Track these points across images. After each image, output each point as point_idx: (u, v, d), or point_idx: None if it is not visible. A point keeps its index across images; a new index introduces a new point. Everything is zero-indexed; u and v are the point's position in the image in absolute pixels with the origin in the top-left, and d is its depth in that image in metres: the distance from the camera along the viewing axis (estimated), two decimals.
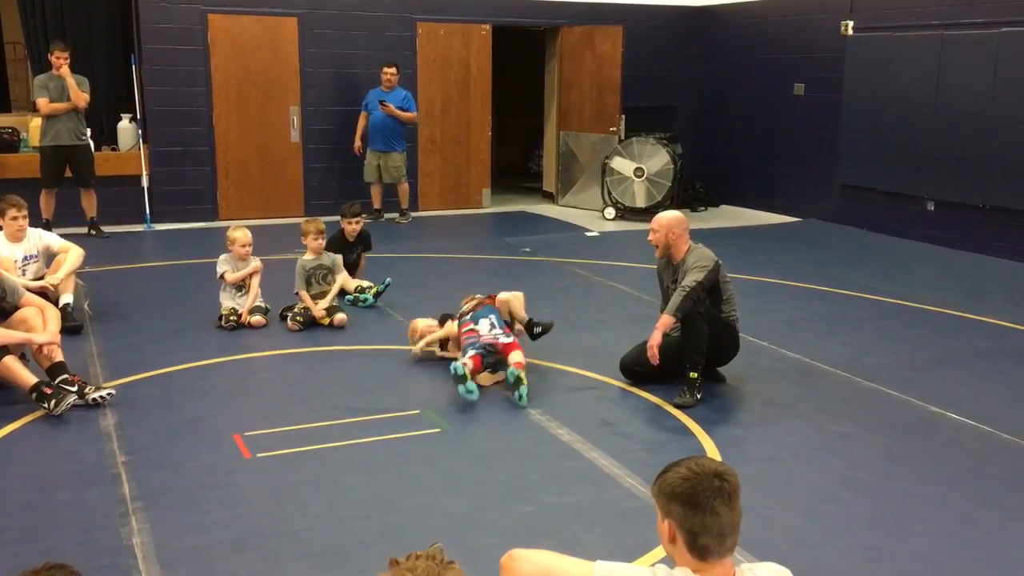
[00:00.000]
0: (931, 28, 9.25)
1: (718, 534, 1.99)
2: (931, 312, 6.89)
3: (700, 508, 1.98)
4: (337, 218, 7.34)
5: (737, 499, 2.02)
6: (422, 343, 5.59)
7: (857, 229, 10.15)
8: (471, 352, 5.05)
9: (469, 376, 4.81)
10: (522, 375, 4.89)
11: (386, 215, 10.55)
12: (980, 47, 8.77)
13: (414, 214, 10.80)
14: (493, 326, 5.25)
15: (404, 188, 10.57)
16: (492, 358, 5.14)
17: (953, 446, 4.46)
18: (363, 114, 10.36)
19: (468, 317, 5.36)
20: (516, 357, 5.02)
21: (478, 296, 5.61)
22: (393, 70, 10.23)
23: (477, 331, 5.21)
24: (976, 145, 8.86)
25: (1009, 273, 8.27)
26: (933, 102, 9.25)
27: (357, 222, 7.21)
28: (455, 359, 5.08)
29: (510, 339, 5.20)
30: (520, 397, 4.85)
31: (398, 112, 10.22)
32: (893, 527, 3.66)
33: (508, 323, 5.48)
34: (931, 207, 9.51)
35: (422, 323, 5.75)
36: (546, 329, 5.65)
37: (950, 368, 5.62)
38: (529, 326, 5.64)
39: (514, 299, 5.63)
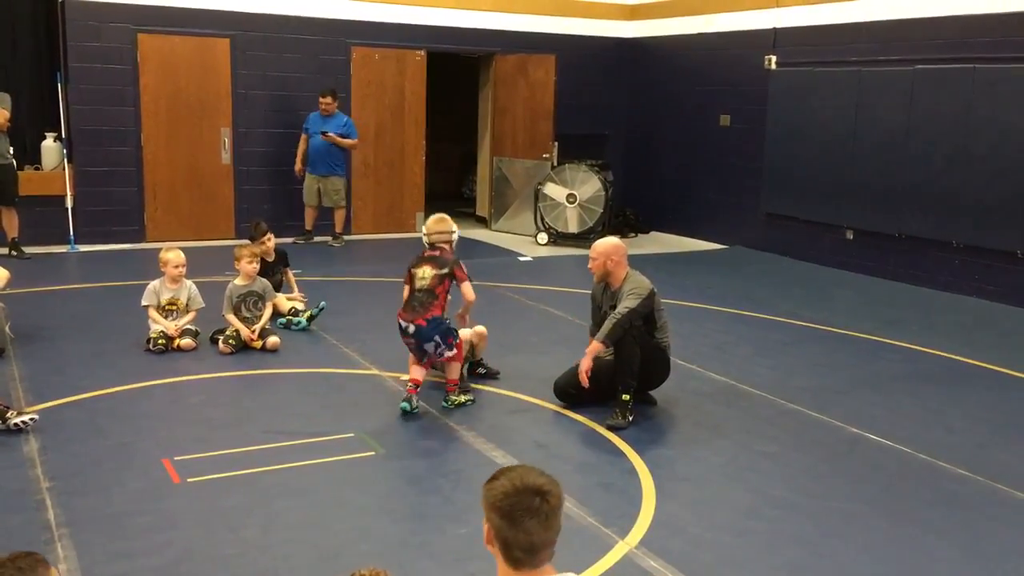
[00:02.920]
0: (850, 64, 9.65)
1: (529, 549, 2.03)
2: (850, 337, 7.14)
3: (514, 524, 2.02)
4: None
5: (555, 518, 2.05)
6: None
7: (780, 256, 10.47)
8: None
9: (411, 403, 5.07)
10: (452, 398, 5.20)
11: (318, 238, 10.50)
12: (896, 83, 9.17)
13: (347, 237, 10.77)
14: (438, 345, 5.14)
15: (341, 213, 10.55)
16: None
17: (872, 466, 4.63)
18: (303, 136, 10.32)
19: (412, 336, 5.16)
20: (452, 374, 5.23)
21: (430, 273, 5.26)
22: (329, 99, 10.21)
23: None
24: (892, 177, 9.24)
25: (922, 300, 8.62)
26: (852, 135, 9.63)
27: (269, 239, 7.18)
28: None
29: (452, 352, 5.20)
30: (454, 405, 5.18)
31: (339, 140, 10.21)
32: (816, 544, 3.79)
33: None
34: (850, 236, 9.87)
35: None
36: (490, 374, 5.76)
37: (868, 391, 5.84)
38: (476, 364, 5.75)
39: (474, 335, 5.69)
